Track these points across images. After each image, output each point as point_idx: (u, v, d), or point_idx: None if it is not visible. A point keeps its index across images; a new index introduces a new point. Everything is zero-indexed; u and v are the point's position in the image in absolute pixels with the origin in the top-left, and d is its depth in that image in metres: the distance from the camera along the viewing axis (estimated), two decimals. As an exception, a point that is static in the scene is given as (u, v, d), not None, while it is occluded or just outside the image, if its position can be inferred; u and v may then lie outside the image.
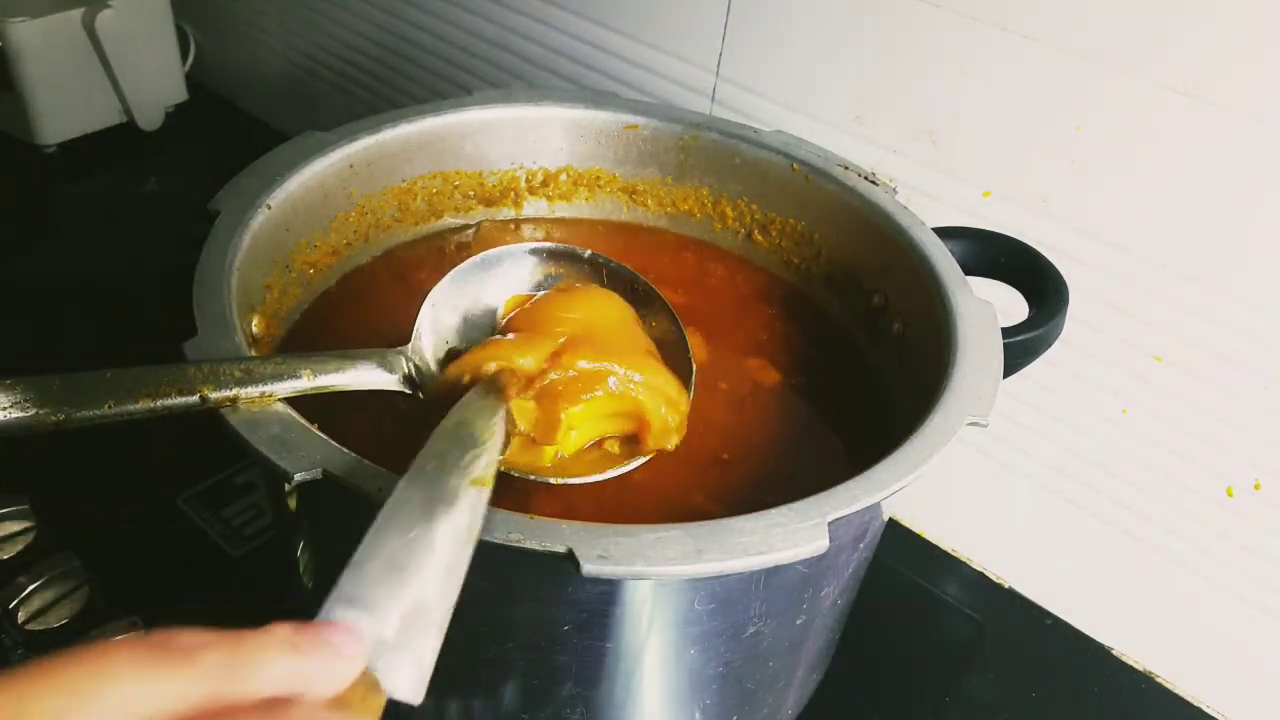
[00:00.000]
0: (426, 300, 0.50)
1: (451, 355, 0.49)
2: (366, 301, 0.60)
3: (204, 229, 0.50)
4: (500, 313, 0.51)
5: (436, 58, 0.94)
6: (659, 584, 0.41)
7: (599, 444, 0.47)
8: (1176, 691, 0.66)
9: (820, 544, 0.38)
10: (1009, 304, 0.53)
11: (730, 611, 0.44)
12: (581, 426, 0.45)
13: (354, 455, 0.39)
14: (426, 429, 0.38)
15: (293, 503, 0.46)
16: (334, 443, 0.39)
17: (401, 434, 0.51)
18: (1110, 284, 0.60)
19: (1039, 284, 0.54)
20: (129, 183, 1.04)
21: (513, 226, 0.67)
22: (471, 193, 0.65)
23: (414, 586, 0.30)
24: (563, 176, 0.66)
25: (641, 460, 0.46)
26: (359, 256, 0.62)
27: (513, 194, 0.66)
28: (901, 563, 0.72)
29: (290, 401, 0.41)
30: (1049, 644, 0.68)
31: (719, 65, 0.73)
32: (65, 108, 1.02)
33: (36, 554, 0.63)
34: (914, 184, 0.66)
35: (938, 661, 0.66)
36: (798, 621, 0.47)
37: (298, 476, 0.38)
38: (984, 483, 0.71)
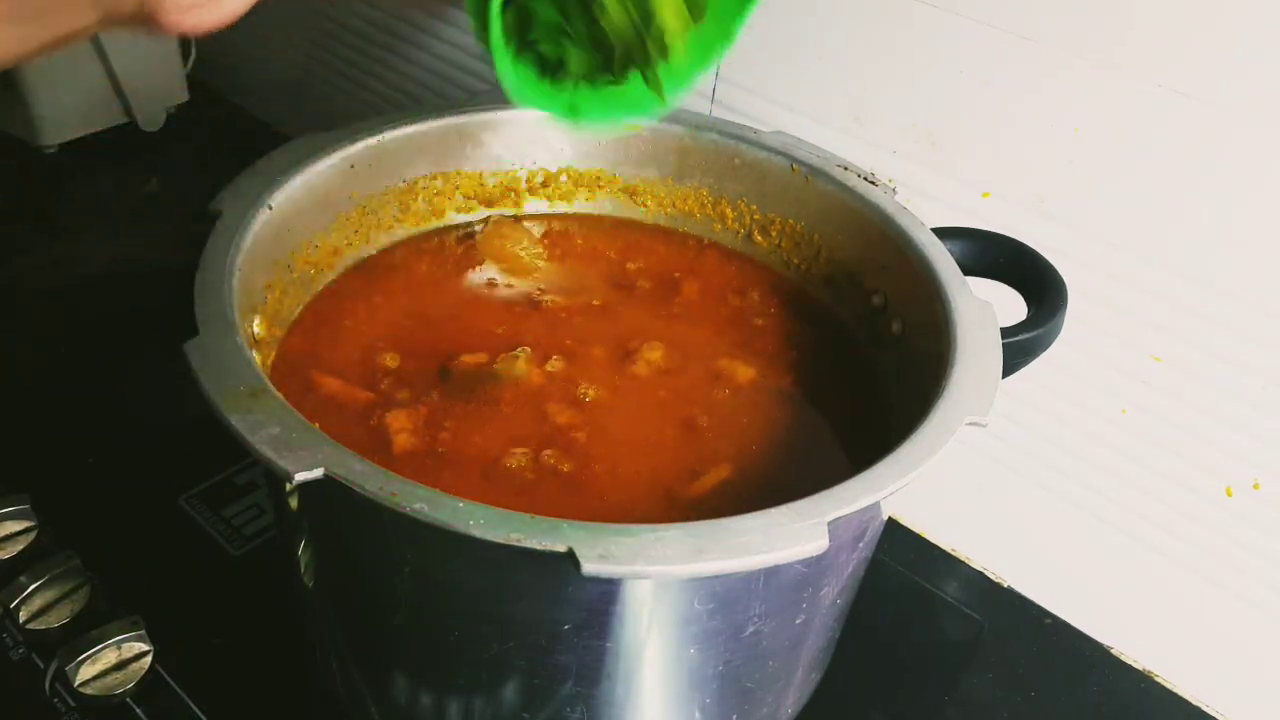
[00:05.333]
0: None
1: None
2: (369, 299, 0.60)
3: (205, 229, 0.50)
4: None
5: (437, 59, 0.94)
6: (659, 583, 0.41)
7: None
8: (1176, 691, 0.66)
9: (820, 543, 0.38)
10: (1008, 304, 0.53)
11: (730, 611, 0.44)
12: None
13: (355, 455, 0.39)
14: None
15: (293, 502, 0.46)
16: (335, 443, 0.39)
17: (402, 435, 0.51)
18: (1109, 284, 0.60)
19: (1038, 284, 0.54)
20: (130, 183, 1.04)
21: (512, 220, 0.67)
22: (472, 193, 0.65)
23: None
24: (563, 177, 0.66)
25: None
26: (360, 256, 0.62)
27: (513, 195, 0.66)
28: (901, 562, 0.72)
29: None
30: (1049, 643, 0.68)
31: (718, 66, 0.73)
32: (66, 108, 1.02)
33: (37, 553, 0.63)
34: (913, 184, 0.66)
35: (937, 661, 0.66)
36: (797, 621, 0.47)
37: (299, 476, 0.38)
38: (983, 482, 0.71)
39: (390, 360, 0.55)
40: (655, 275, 0.64)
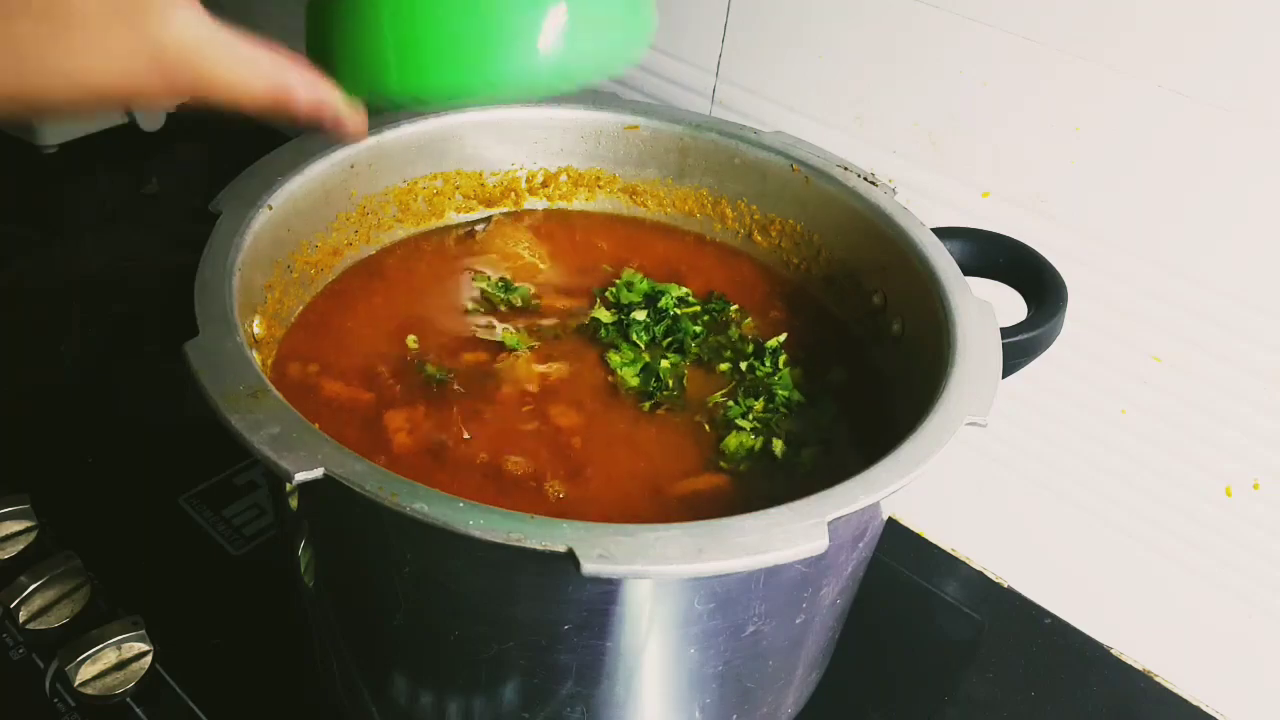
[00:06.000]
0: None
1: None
2: (369, 299, 0.60)
3: (205, 230, 0.50)
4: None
5: (437, 58, 0.94)
6: (659, 583, 0.41)
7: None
8: (1176, 691, 0.66)
9: (820, 543, 0.38)
10: (1008, 304, 0.53)
11: (730, 611, 0.44)
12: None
13: (355, 455, 0.39)
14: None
15: (294, 503, 0.46)
16: (335, 443, 0.39)
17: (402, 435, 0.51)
18: (1109, 284, 0.60)
19: (1038, 284, 0.54)
20: (130, 183, 1.04)
21: (513, 220, 0.67)
22: (472, 193, 0.65)
23: None
24: (563, 177, 0.66)
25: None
26: (360, 256, 0.62)
27: (513, 195, 0.66)
28: (901, 562, 0.72)
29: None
30: (1048, 643, 0.68)
31: (719, 66, 0.73)
32: (66, 108, 1.02)
33: (38, 553, 0.63)
34: (913, 184, 0.66)
35: (937, 661, 0.66)
36: (797, 621, 0.47)
37: (299, 476, 0.38)
38: (983, 482, 0.71)
39: (390, 360, 0.55)
40: (654, 275, 0.63)
